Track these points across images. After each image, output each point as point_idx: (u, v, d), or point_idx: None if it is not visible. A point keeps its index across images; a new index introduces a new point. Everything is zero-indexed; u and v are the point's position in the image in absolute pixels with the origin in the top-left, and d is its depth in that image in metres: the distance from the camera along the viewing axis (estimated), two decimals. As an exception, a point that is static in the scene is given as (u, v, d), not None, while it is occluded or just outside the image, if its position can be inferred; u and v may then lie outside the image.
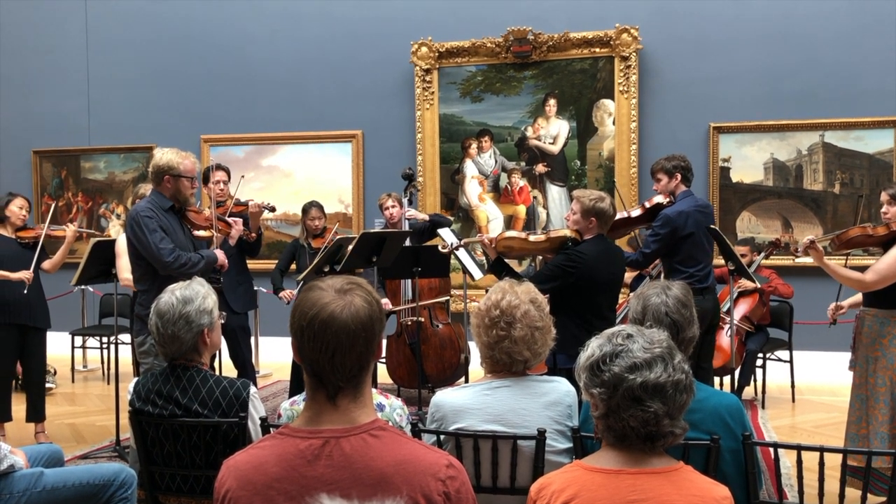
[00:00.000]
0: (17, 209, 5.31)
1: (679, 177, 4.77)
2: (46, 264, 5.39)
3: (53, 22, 8.70)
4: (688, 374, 1.82)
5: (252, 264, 5.94)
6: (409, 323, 6.04)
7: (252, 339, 6.19)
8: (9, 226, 5.31)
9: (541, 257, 4.79)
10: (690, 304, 2.59)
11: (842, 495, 2.47)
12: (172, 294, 2.83)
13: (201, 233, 4.80)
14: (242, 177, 5.48)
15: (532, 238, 4.40)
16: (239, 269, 5.58)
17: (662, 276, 5.01)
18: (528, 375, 2.63)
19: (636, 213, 4.92)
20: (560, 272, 4.10)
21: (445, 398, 2.62)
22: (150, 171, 4.26)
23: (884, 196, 3.95)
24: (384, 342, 6.04)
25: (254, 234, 5.48)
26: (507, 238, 4.44)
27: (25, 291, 5.05)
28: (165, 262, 4.02)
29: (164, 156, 4.21)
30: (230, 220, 4.84)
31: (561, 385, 2.63)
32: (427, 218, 6.14)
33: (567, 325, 4.07)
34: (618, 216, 4.70)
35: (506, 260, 4.46)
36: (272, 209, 5.51)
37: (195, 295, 2.82)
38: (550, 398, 2.57)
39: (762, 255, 6.35)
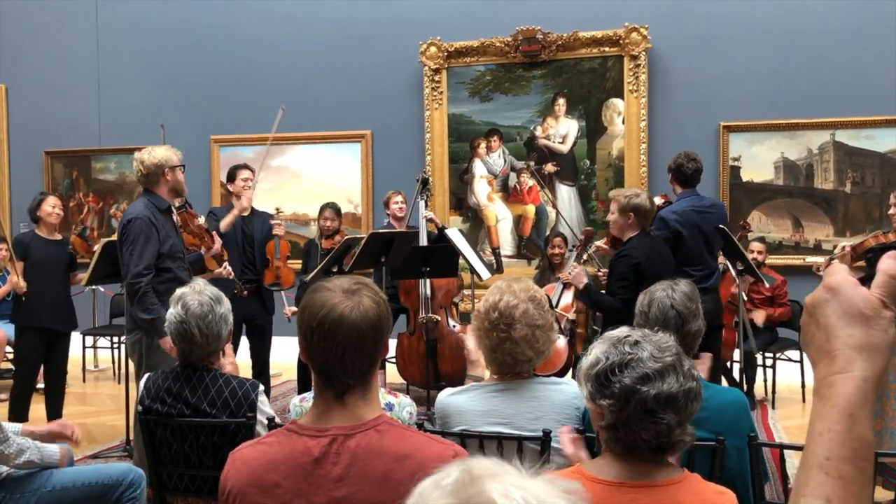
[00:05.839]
0: (49, 209, 5.31)
1: (670, 177, 4.78)
2: (77, 276, 5.50)
3: (64, 26, 8.75)
4: (697, 381, 1.76)
5: None
6: (426, 321, 6.06)
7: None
8: (43, 227, 5.32)
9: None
10: (696, 298, 2.62)
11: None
12: (200, 295, 2.81)
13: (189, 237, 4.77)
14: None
15: None
16: None
17: None
18: (535, 377, 2.61)
19: None
20: (627, 271, 4.20)
21: (451, 400, 2.60)
22: (144, 173, 4.10)
23: (892, 198, 3.94)
24: (394, 340, 6.06)
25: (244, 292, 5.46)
26: None
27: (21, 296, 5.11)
28: (131, 277, 3.89)
29: (154, 153, 4.10)
30: (215, 235, 4.93)
31: (569, 387, 2.60)
32: (439, 226, 6.26)
33: None
34: None
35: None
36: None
37: (219, 295, 2.86)
38: (558, 400, 2.55)
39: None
